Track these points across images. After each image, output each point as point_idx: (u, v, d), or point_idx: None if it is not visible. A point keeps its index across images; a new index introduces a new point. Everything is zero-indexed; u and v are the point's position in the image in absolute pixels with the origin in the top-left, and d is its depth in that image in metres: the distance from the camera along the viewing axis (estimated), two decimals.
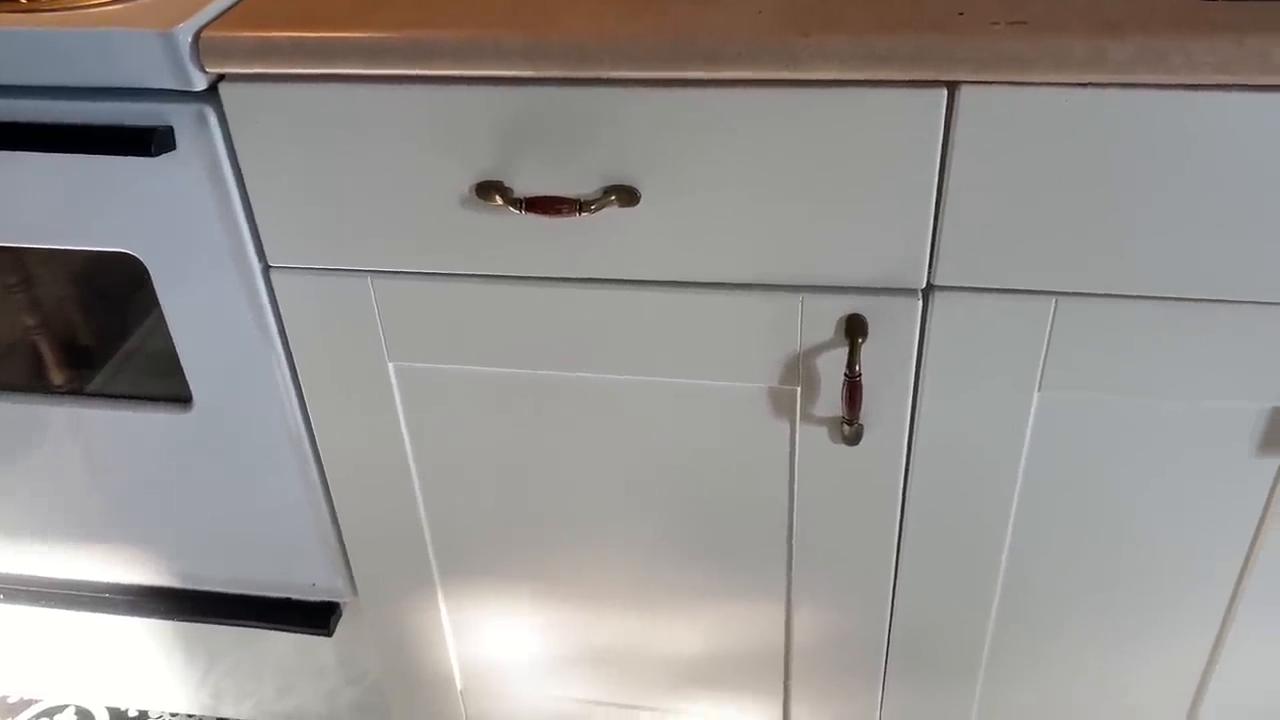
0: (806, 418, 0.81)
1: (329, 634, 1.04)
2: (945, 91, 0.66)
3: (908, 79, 0.66)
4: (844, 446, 0.82)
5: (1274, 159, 0.64)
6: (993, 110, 0.66)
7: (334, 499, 0.94)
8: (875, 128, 0.67)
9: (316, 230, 0.78)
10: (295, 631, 1.05)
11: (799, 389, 0.80)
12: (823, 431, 0.82)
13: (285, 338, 0.85)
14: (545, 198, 0.72)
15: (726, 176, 0.71)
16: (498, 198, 0.73)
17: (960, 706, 0.96)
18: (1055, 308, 0.73)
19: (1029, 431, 0.79)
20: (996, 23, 0.64)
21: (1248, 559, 0.82)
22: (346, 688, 1.14)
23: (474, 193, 0.74)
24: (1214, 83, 0.63)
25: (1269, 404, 0.74)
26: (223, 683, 1.19)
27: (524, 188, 0.73)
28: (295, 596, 1.05)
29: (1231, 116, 0.64)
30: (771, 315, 0.76)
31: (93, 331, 1.06)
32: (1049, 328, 0.74)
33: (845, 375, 0.76)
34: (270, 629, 1.06)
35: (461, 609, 1.01)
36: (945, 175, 0.69)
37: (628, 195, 0.73)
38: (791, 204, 0.71)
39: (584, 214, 0.72)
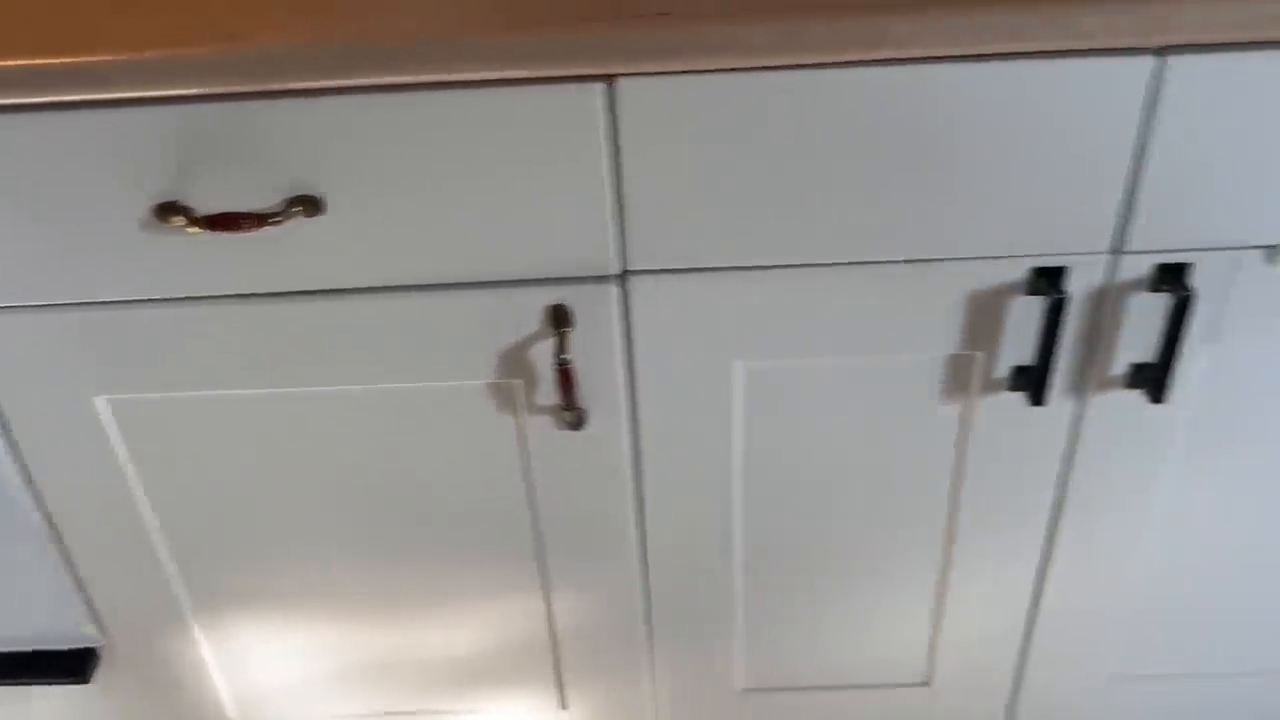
0: (531, 409, 0.83)
1: (86, 681, 1.00)
2: (603, 84, 0.68)
3: (566, 74, 0.68)
4: (570, 432, 0.84)
5: (904, 129, 0.69)
6: (651, 99, 0.69)
7: (65, 542, 0.90)
8: (542, 123, 0.69)
9: (3, 264, 0.75)
10: (50, 683, 1.01)
11: (519, 382, 0.81)
12: (548, 421, 0.83)
13: None
14: (226, 214, 0.71)
15: (409, 180, 0.72)
16: (178, 218, 0.71)
17: (725, 660, 1.00)
18: (741, 282, 0.77)
19: (739, 400, 0.83)
20: (642, 15, 0.67)
21: (953, 497, 0.89)
22: None
23: (154, 215, 0.72)
24: (854, 59, 0.67)
25: (944, 352, 0.80)
26: None
27: (207, 205, 0.72)
28: (46, 647, 1.00)
29: (864, 91, 0.68)
30: (478, 312, 0.78)
31: None
32: (737, 300, 0.77)
33: (554, 365, 0.78)
34: (23, 683, 1.02)
35: (222, 638, 0.98)
36: (620, 164, 0.72)
37: (313, 205, 0.72)
38: (477, 202, 0.73)
39: (269, 227, 0.71)
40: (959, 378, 0.82)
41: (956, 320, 0.78)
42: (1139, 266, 0.76)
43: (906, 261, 0.76)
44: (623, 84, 0.68)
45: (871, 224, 0.74)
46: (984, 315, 0.78)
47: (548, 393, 0.82)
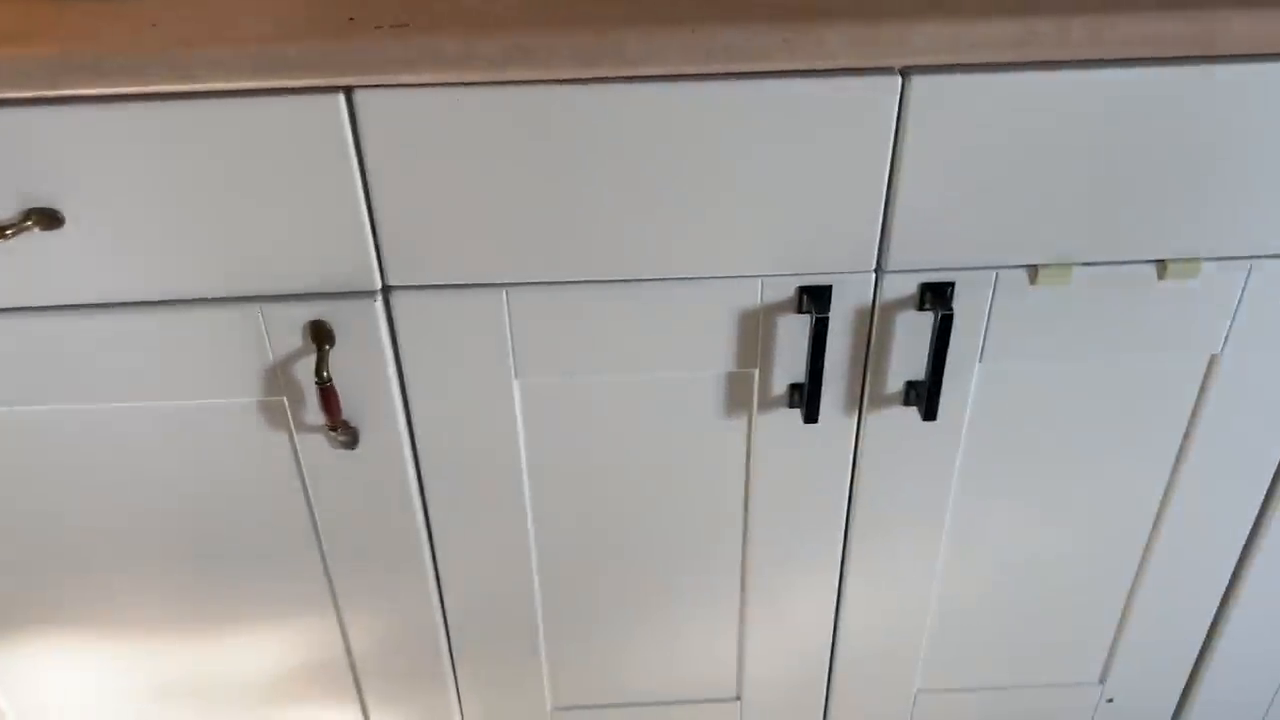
0: (300, 427, 0.81)
1: None
2: (342, 96, 0.66)
3: (304, 85, 0.66)
4: (344, 450, 0.82)
5: (655, 148, 0.69)
6: (392, 112, 0.67)
7: None
8: (283, 135, 0.67)
9: None
10: None
11: (285, 399, 0.79)
12: (320, 439, 0.81)
13: None
14: None
15: (147, 192, 0.69)
16: None
17: (532, 679, 0.98)
18: (507, 298, 0.75)
19: (519, 416, 0.81)
20: (380, 26, 0.65)
21: (745, 513, 0.88)
22: None
23: None
24: (584, 76, 0.66)
25: (722, 370, 0.80)
26: None
27: None
28: None
29: (606, 108, 0.67)
30: (234, 328, 0.75)
31: None
32: (508, 318, 0.76)
33: (316, 383, 0.76)
34: None
35: (8, 656, 0.94)
36: (367, 178, 0.70)
37: (49, 218, 0.70)
38: (227, 215, 0.70)
39: (1, 240, 0.68)
40: (739, 394, 0.81)
41: (730, 338, 0.78)
42: (905, 285, 0.76)
43: (677, 279, 0.75)
44: (360, 96, 0.66)
45: (639, 241, 0.73)
46: (755, 333, 0.77)
47: (316, 411, 0.80)
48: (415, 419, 0.81)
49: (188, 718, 1.00)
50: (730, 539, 0.90)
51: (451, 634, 0.94)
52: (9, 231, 0.68)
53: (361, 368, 0.78)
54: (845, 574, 0.92)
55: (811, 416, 0.79)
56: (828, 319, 0.75)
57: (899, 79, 0.67)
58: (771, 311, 0.76)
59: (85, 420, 0.80)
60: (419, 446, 0.82)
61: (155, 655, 0.95)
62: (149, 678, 0.97)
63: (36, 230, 0.70)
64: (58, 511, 0.85)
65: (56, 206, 0.69)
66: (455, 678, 0.98)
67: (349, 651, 0.95)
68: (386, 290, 0.75)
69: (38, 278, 0.72)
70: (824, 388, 0.80)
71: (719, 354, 0.79)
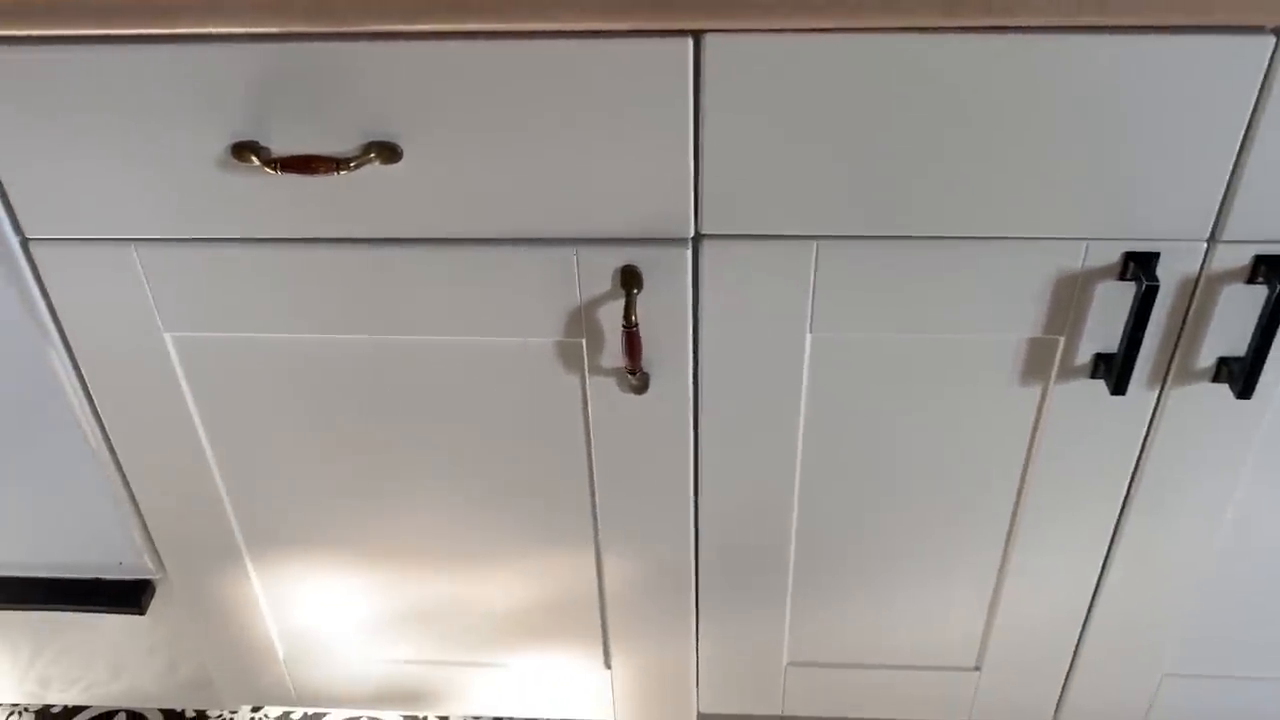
0: (594, 369, 0.82)
1: (142, 612, 1.02)
2: (691, 40, 0.66)
3: (654, 28, 0.66)
4: (632, 395, 0.83)
5: (1015, 100, 0.67)
6: (738, 58, 0.67)
7: (128, 476, 0.91)
8: (626, 78, 0.68)
9: (73, 199, 0.75)
10: (106, 612, 1.02)
11: (584, 341, 0.80)
12: (611, 382, 0.82)
13: (55, 312, 0.82)
14: (301, 157, 0.70)
15: (489, 131, 0.70)
16: (254, 158, 0.71)
17: (773, 627, 0.99)
18: (817, 251, 0.75)
19: (805, 371, 0.81)
20: None
21: (1021, 483, 0.87)
22: (176, 665, 1.12)
23: (230, 154, 0.72)
24: (945, 25, 0.64)
25: (1024, 335, 0.78)
26: (48, 670, 1.15)
27: (283, 147, 0.71)
28: (105, 576, 1.02)
29: (966, 59, 0.65)
30: (549, 269, 0.76)
31: None
32: (813, 271, 0.76)
33: (623, 326, 0.77)
34: (81, 611, 1.03)
35: (274, 578, 0.99)
36: (700, 125, 0.70)
37: (389, 152, 0.71)
38: (556, 157, 0.71)
39: (343, 172, 0.70)
40: (1038, 361, 0.79)
41: (1041, 302, 0.76)
42: (1238, 256, 0.73)
43: (994, 239, 0.73)
44: (710, 40, 0.66)
45: (962, 198, 0.71)
46: (1070, 299, 0.75)
47: (612, 354, 0.81)
48: (702, 366, 0.81)
49: (435, 642, 1.04)
50: (1000, 506, 0.88)
51: (701, 580, 0.96)
52: (352, 164, 0.71)
53: (662, 314, 0.78)
54: (1113, 550, 0.90)
55: (1120, 388, 0.77)
56: (1157, 286, 0.72)
57: (1272, 39, 0.64)
58: (1092, 277, 0.74)
59: (395, 351, 0.82)
60: (701, 393, 0.83)
61: (413, 583, 0.99)
62: (403, 604, 1.01)
63: (376, 163, 0.72)
64: (344, 436, 0.88)
65: (397, 141, 0.71)
66: (697, 624, 0.99)
67: (601, 589, 0.97)
68: (698, 238, 0.75)
69: (371, 210, 0.74)
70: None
71: (1025, 318, 0.77)
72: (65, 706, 1.24)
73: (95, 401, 0.87)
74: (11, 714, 1.24)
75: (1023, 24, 0.64)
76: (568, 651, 1.03)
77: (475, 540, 0.95)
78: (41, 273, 0.79)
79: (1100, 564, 0.91)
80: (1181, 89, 0.66)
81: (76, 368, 0.85)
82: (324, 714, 1.21)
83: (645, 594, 0.96)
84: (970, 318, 0.77)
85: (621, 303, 0.78)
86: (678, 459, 0.86)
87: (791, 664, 1.03)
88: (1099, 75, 0.65)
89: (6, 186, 0.75)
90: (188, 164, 0.73)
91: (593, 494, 0.90)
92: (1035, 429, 0.83)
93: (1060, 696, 1.03)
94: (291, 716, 1.22)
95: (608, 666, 1.04)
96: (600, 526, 0.92)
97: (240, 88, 0.69)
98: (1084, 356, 0.78)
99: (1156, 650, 0.97)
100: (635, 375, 0.80)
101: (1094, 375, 0.79)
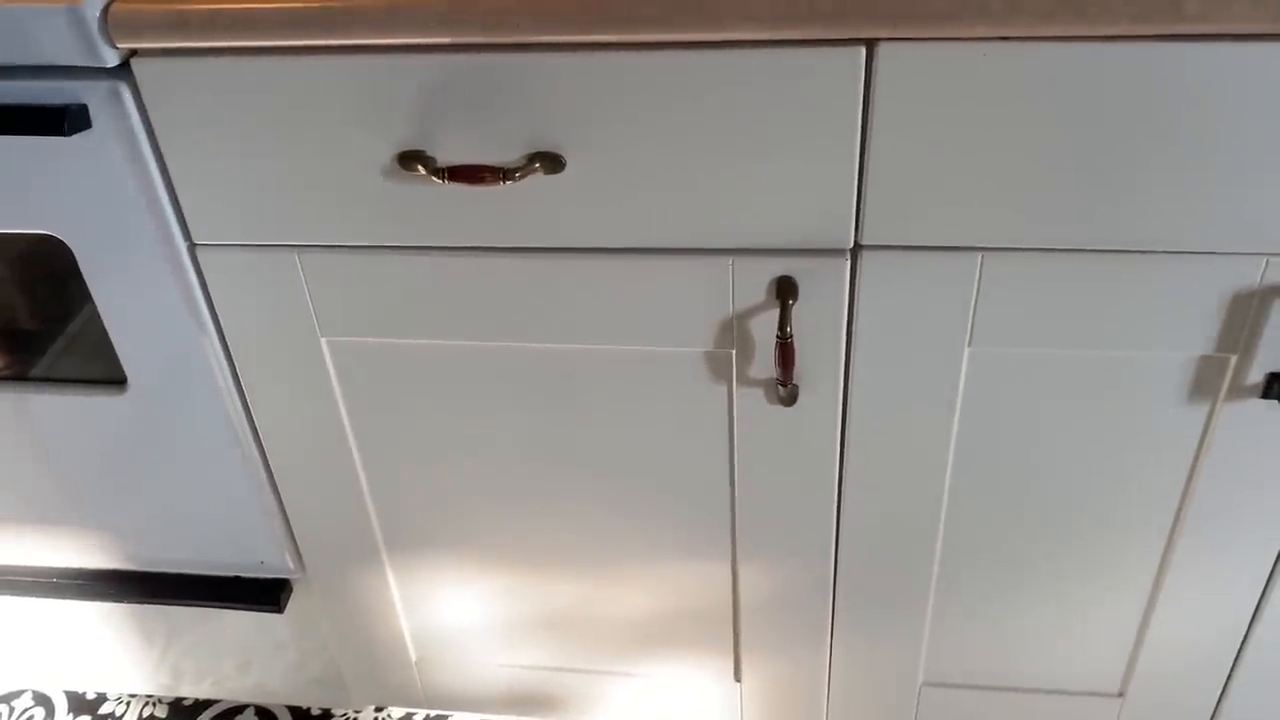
0: (743, 380, 0.81)
1: (280, 610, 1.04)
2: (864, 49, 0.66)
3: (826, 38, 0.65)
4: (780, 407, 0.82)
5: (1185, 112, 0.65)
6: (912, 67, 0.66)
7: (275, 476, 0.94)
8: (795, 88, 0.67)
9: (240, 206, 0.77)
10: (246, 609, 1.05)
11: (734, 352, 0.80)
12: (759, 393, 0.82)
13: (216, 315, 0.84)
14: (468, 166, 0.71)
15: (650, 141, 0.70)
16: (420, 168, 0.72)
17: (909, 645, 0.97)
18: (981, 263, 0.73)
19: (961, 386, 0.80)
20: None
21: (1181, 504, 0.84)
22: (305, 663, 1.15)
23: (396, 163, 0.73)
24: (1131, 34, 0.63)
25: (1195, 352, 0.75)
26: (181, 663, 1.19)
27: (447, 157, 0.73)
28: (245, 574, 1.04)
29: (1147, 68, 0.64)
30: (703, 279, 0.76)
31: (37, 315, 1.04)
32: (976, 284, 0.74)
33: (777, 337, 0.76)
34: (221, 608, 1.06)
35: (410, 581, 1.01)
36: (867, 135, 0.69)
37: (552, 162, 0.72)
38: (716, 167, 0.71)
39: (508, 182, 0.71)
40: (1207, 380, 0.77)
41: (1215, 319, 0.73)
42: None
43: (1168, 253, 0.71)
44: (884, 49, 0.65)
45: (1137, 211, 0.69)
46: (1245, 316, 0.73)
47: (762, 365, 0.80)
48: (853, 379, 0.80)
49: (564, 649, 1.05)
50: (1157, 527, 0.86)
51: (838, 594, 0.94)
52: (517, 174, 0.71)
53: (816, 325, 0.77)
54: (1275, 576, 0.86)
55: None
56: None
57: None
58: (1270, 294, 0.71)
59: (545, 359, 0.83)
60: (849, 407, 0.82)
61: (547, 588, 0.99)
62: (535, 610, 1.01)
63: (540, 173, 0.72)
64: (489, 442, 0.89)
65: (560, 151, 0.72)
66: (832, 638, 0.98)
67: (735, 600, 0.97)
68: (856, 249, 0.74)
69: (531, 219, 0.75)
70: None
71: (1197, 335, 0.74)
72: (196, 700, 1.27)
73: (248, 403, 0.89)
74: (146, 704, 1.28)
75: (1215, 31, 0.62)
76: (698, 663, 1.03)
77: (612, 548, 0.95)
78: (206, 276, 0.81)
79: (1260, 590, 0.88)
80: None
81: (233, 369, 0.87)
82: (447, 716, 1.22)
83: (781, 607, 0.96)
84: (1138, 333, 0.75)
85: (774, 313, 0.77)
86: (823, 472, 0.85)
87: (926, 684, 1.01)
88: None
89: (180, 194, 0.77)
90: (355, 173, 0.74)
91: (733, 505, 0.90)
92: (1199, 449, 0.80)
93: None
94: (414, 718, 1.23)
95: (737, 679, 1.03)
96: (739, 538, 0.91)
97: (410, 98, 0.71)
98: (1256, 375, 0.75)
99: None
100: (785, 387, 0.79)
101: (1266, 395, 0.76)
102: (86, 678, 1.23)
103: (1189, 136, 0.66)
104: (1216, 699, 0.96)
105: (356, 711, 1.24)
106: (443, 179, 0.71)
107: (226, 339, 0.85)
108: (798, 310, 0.77)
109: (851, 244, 0.74)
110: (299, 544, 0.99)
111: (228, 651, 1.16)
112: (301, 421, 0.89)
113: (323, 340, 0.84)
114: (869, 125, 0.68)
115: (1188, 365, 0.76)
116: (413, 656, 1.08)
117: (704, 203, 0.73)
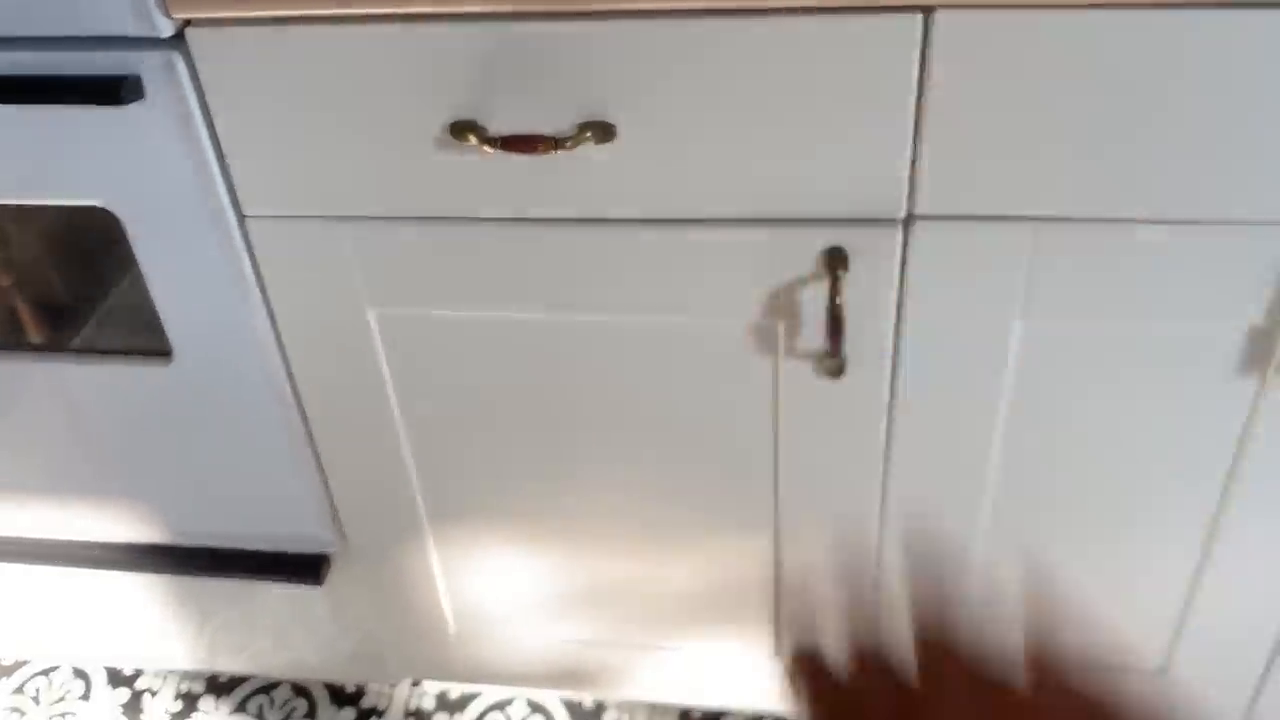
0: (789, 352, 0.81)
1: (319, 584, 1.05)
2: (921, 16, 0.65)
3: (883, 4, 0.65)
4: (827, 380, 0.82)
5: (1241, 78, 0.64)
6: (968, 34, 0.65)
7: (319, 448, 0.94)
8: (850, 56, 0.67)
9: (290, 177, 0.77)
10: (286, 583, 1.06)
11: (781, 324, 0.80)
12: (806, 366, 0.82)
13: (263, 287, 0.84)
14: (521, 136, 0.71)
15: (702, 110, 0.70)
16: (472, 137, 0.72)
17: None
18: (1035, 234, 0.73)
19: (1011, 358, 0.79)
20: None
21: (1230, 475, 0.83)
22: (342, 637, 1.15)
23: (448, 133, 0.73)
24: (1192, 1, 0.62)
25: (1246, 323, 0.75)
26: (218, 637, 1.20)
27: (499, 126, 0.73)
28: (285, 548, 1.05)
29: (1204, 35, 0.63)
30: (752, 250, 0.76)
31: (74, 287, 1.05)
32: (1029, 255, 0.74)
33: (827, 308, 0.76)
34: (261, 581, 1.07)
35: (451, 554, 1.01)
36: (922, 103, 0.68)
37: (603, 131, 0.72)
38: (768, 136, 0.71)
39: (560, 151, 0.71)
40: (1260, 350, 0.76)
41: (1269, 288, 0.73)
42: None
43: (1226, 223, 0.71)
44: (942, 16, 0.65)
45: (1196, 181, 0.69)
46: None
47: (809, 337, 0.80)
48: (902, 350, 0.80)
49: (602, 623, 1.05)
50: (1203, 504, 0.85)
51: (882, 566, 0.94)
52: (569, 143, 0.71)
53: (867, 296, 0.77)
54: None
55: None
56: None
57: None
58: None
59: (593, 330, 0.83)
60: (897, 380, 0.82)
61: (587, 562, 1.00)
62: (574, 584, 1.02)
63: (591, 143, 0.72)
64: (532, 415, 0.89)
65: (612, 120, 0.72)
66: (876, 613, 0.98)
67: (777, 574, 0.97)
68: (909, 219, 0.74)
69: (581, 189, 0.75)
70: None
71: (1250, 304, 0.74)
72: (231, 676, 1.28)
73: (293, 374, 0.89)
74: (183, 680, 1.29)
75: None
76: (738, 637, 1.03)
77: (652, 521, 0.95)
78: (255, 249, 0.82)
79: None
80: None
81: (279, 340, 0.87)
82: (478, 693, 1.23)
83: (824, 579, 0.96)
84: (1193, 304, 0.74)
85: (823, 285, 0.77)
86: (870, 445, 0.85)
87: None
88: None
89: (231, 166, 0.77)
90: (406, 142, 0.74)
91: (776, 478, 0.90)
92: (1250, 420, 0.80)
93: (1250, 705, 0.99)
94: (449, 694, 1.24)
95: (777, 654, 1.03)
96: (781, 511, 0.91)
97: (462, 67, 0.71)
98: None
99: None
100: (834, 359, 0.79)
101: None
102: (124, 651, 1.24)
103: (1255, 105, 0.65)
104: (1260, 675, 0.96)
105: (392, 685, 1.25)
106: (495, 148, 0.71)
107: (273, 311, 0.85)
108: (848, 281, 0.76)
109: (904, 214, 0.74)
110: (341, 517, 1.00)
111: (264, 626, 1.17)
112: (347, 394, 0.89)
113: (369, 311, 0.84)
114: (924, 94, 0.68)
115: (1238, 336, 0.76)
116: (451, 630, 1.08)
117: (755, 173, 0.73)
